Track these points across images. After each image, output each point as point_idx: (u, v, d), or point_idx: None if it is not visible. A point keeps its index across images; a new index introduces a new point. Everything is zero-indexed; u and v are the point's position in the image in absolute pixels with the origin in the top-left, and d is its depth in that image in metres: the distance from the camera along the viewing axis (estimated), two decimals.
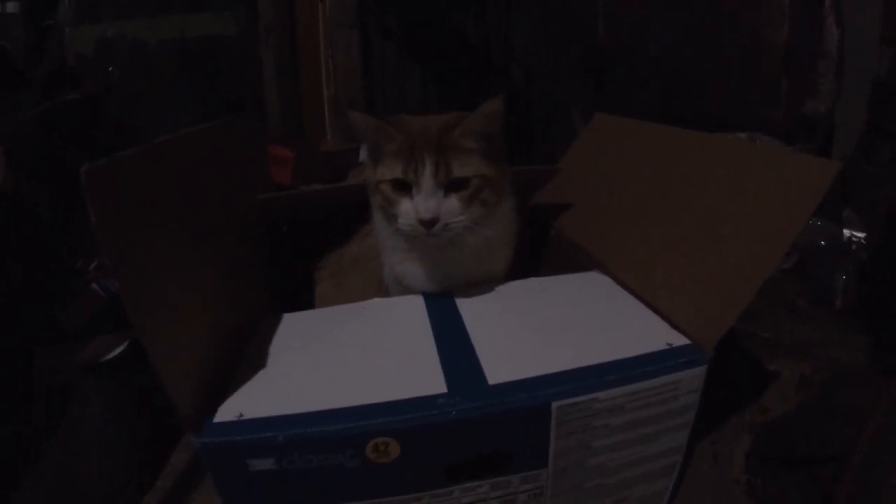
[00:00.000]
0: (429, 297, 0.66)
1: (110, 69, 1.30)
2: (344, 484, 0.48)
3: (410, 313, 0.63)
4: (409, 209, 0.59)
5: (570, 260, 0.76)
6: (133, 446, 0.74)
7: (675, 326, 0.57)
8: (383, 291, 0.73)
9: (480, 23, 1.95)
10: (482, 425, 0.48)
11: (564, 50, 1.79)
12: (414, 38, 1.93)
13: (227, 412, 0.48)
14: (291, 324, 0.64)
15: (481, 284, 0.68)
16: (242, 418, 0.47)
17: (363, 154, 1.75)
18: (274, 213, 0.81)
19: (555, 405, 0.48)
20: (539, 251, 0.81)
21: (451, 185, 0.60)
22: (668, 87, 1.46)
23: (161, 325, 0.46)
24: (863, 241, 1.10)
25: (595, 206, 0.78)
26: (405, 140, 0.60)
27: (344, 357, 0.56)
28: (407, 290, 0.68)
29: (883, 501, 0.51)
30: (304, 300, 0.79)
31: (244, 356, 0.57)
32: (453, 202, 0.60)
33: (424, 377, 0.51)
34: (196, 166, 0.62)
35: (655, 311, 0.60)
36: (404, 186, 0.60)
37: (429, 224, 0.58)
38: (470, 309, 0.63)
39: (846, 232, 1.12)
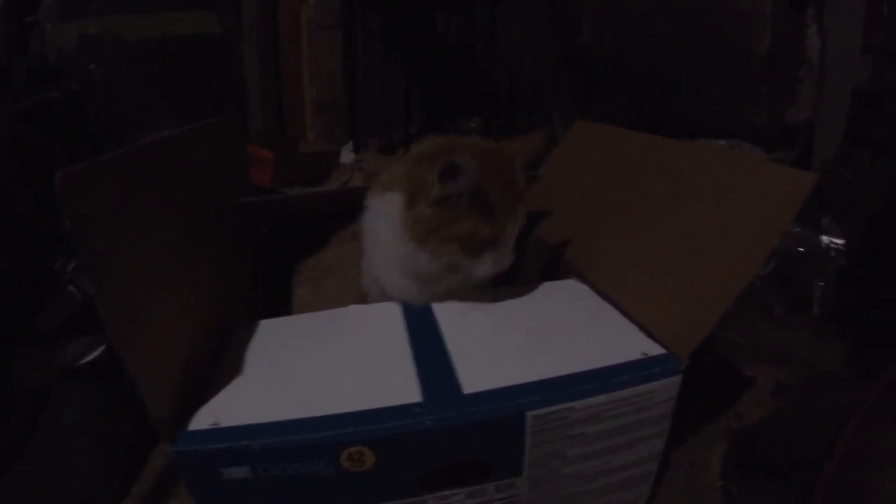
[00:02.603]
0: (407, 305, 0.66)
1: (92, 67, 1.29)
2: (318, 492, 0.48)
3: (387, 321, 0.63)
4: (490, 262, 0.60)
5: (549, 266, 0.76)
6: (112, 450, 0.73)
7: (650, 335, 0.57)
8: (361, 298, 0.72)
9: (465, 25, 1.96)
10: (457, 434, 0.48)
11: (548, 55, 1.80)
12: (398, 40, 1.92)
13: (201, 420, 0.48)
14: (268, 331, 0.64)
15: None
16: (217, 426, 0.47)
17: (344, 155, 1.76)
18: (256, 217, 0.81)
19: (529, 414, 0.48)
20: (518, 258, 0.82)
21: None
22: (651, 93, 1.47)
23: (137, 331, 0.46)
24: (841, 247, 1.11)
25: (574, 213, 0.78)
26: (496, 203, 0.59)
27: (319, 365, 0.56)
28: (390, 299, 0.68)
29: None
30: (284, 305, 0.79)
31: (220, 364, 0.57)
32: None
33: (400, 386, 0.51)
34: (174, 170, 0.62)
35: (631, 319, 0.61)
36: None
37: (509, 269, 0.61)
38: (447, 316, 0.63)
39: (825, 238, 1.13)
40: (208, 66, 1.48)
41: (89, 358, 0.82)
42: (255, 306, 0.75)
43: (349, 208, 0.70)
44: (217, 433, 0.46)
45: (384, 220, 0.63)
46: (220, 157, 0.77)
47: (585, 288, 0.69)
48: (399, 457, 0.47)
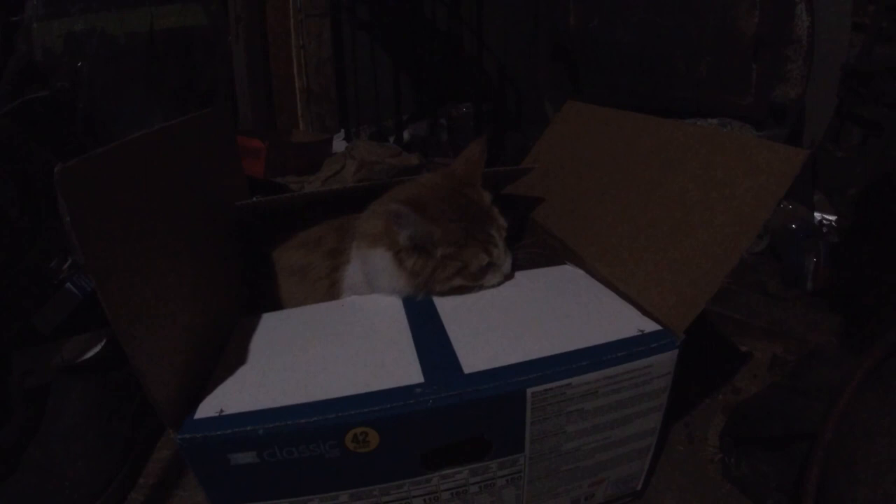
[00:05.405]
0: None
1: (79, 64, 1.28)
2: (325, 474, 0.48)
3: (387, 308, 0.64)
4: (497, 273, 0.65)
5: (543, 248, 0.76)
6: (115, 444, 0.73)
7: (646, 313, 0.58)
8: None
9: (453, 12, 1.95)
10: (459, 413, 0.49)
11: (536, 38, 1.79)
12: (386, 28, 1.92)
13: (207, 409, 0.48)
14: (270, 323, 0.64)
15: None
16: (223, 414, 0.47)
17: (336, 143, 1.75)
18: (250, 218, 0.80)
19: (530, 391, 0.49)
20: (511, 241, 0.82)
21: None
22: (640, 74, 1.47)
23: (139, 323, 0.46)
24: (833, 224, 1.12)
25: (567, 194, 0.78)
26: (469, 233, 0.64)
27: (322, 352, 0.56)
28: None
29: (854, 477, 0.52)
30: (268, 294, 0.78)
31: (224, 354, 0.57)
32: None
33: (402, 369, 0.51)
34: (169, 162, 0.61)
35: (627, 299, 0.61)
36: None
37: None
38: (445, 304, 0.64)
39: (817, 215, 1.14)
40: (197, 58, 1.47)
41: (89, 354, 0.82)
42: (243, 294, 0.75)
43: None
44: (223, 420, 0.47)
45: (385, 273, 0.66)
46: (211, 147, 0.77)
47: (581, 272, 0.69)
48: (403, 437, 0.48)
